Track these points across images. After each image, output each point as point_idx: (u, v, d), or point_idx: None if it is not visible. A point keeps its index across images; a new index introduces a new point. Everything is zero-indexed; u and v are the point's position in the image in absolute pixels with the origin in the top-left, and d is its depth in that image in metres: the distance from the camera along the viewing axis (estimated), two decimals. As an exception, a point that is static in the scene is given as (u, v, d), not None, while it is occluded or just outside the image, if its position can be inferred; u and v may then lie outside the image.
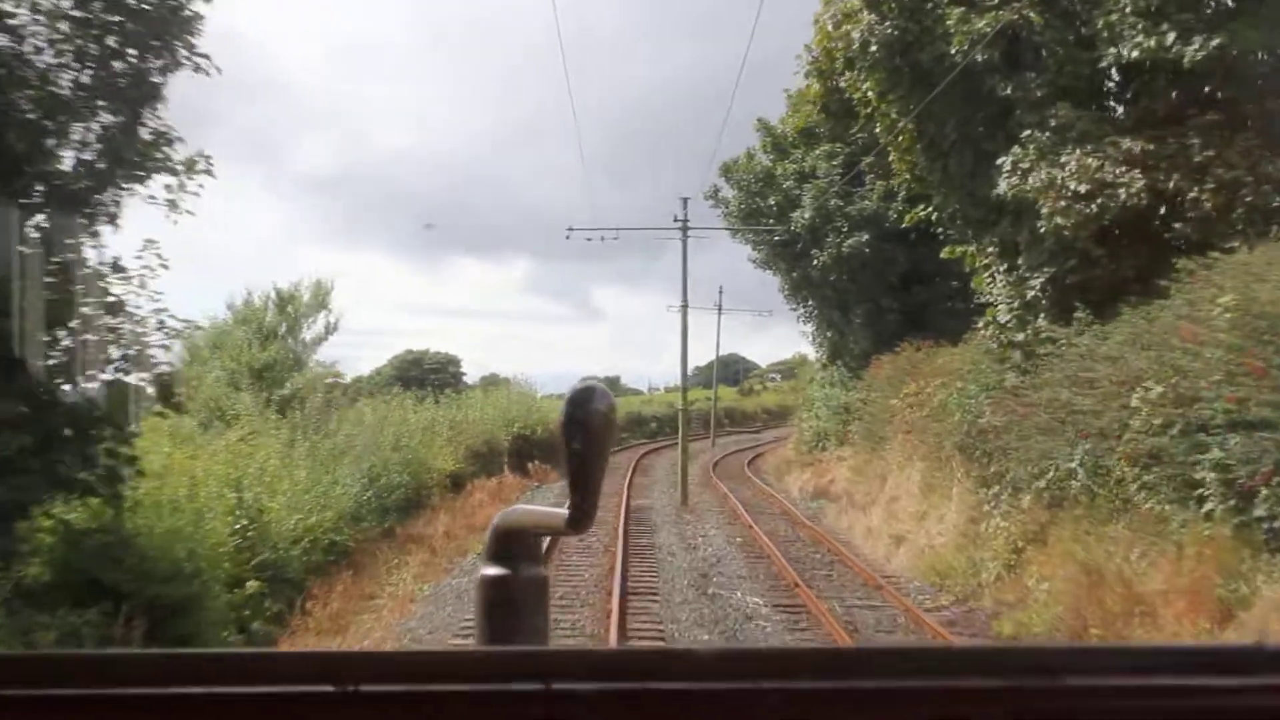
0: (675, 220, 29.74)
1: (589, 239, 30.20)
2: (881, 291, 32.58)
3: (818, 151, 33.12)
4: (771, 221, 34.07)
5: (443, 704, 0.75)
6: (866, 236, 31.55)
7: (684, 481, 28.39)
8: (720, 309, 55.72)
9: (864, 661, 0.80)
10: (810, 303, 36.09)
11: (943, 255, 21.27)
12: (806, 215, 32.30)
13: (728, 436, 59.98)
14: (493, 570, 1.36)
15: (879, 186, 31.80)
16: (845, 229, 31.87)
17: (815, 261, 32.77)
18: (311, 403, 19.73)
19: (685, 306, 29.91)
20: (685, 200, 29.83)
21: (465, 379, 79.09)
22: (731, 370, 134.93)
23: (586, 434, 1.20)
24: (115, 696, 0.75)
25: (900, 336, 31.87)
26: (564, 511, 1.27)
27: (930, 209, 20.30)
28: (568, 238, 30.54)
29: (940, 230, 20.81)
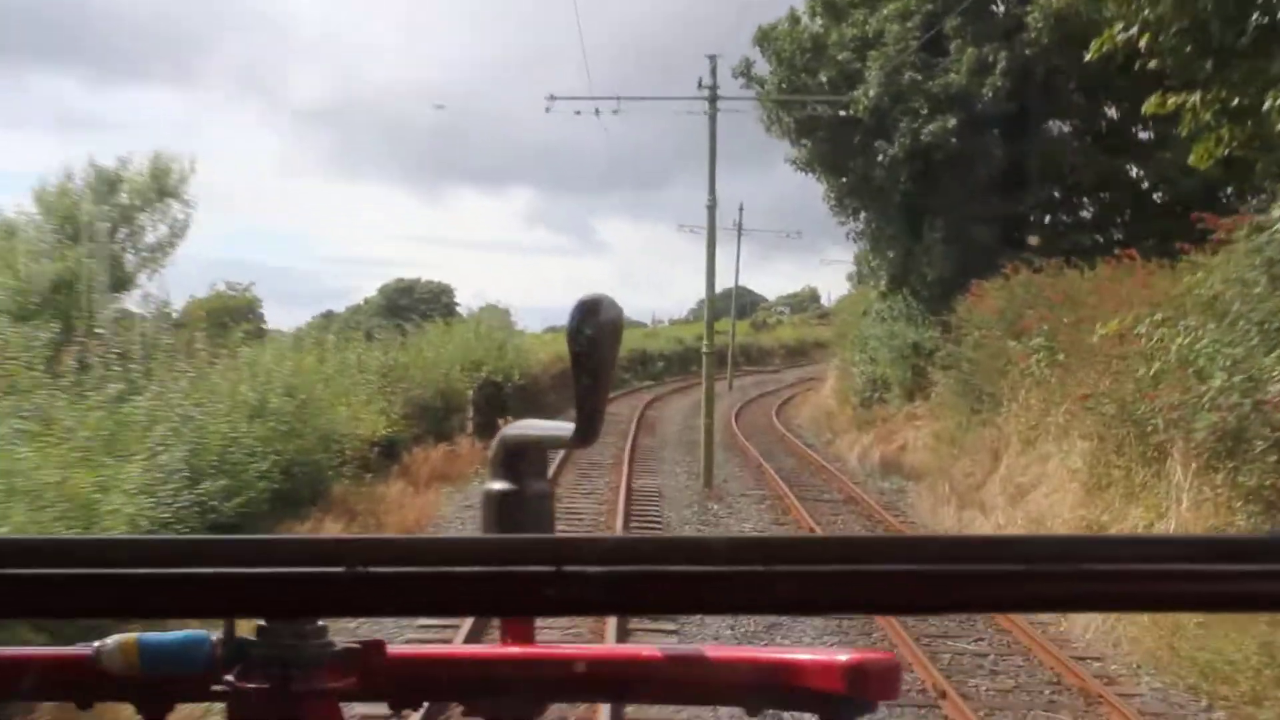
0: (700, 87, 21.39)
1: (579, 111, 21.86)
2: (970, 195, 24.36)
3: (886, 11, 24.69)
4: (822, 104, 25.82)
5: (454, 584, 0.75)
6: (954, 121, 23.27)
7: (709, 457, 20.32)
8: (740, 229, 47.21)
9: (879, 548, 0.79)
10: (866, 214, 27.90)
11: (1146, 110, 13.01)
12: (871, 93, 23.99)
13: (745, 377, 51.82)
14: (498, 485, 1.34)
15: (969, 55, 23.48)
16: (925, 111, 23.60)
17: (880, 156, 24.54)
18: (94, 347, 11.58)
19: (713, 208, 21.74)
20: (714, 60, 21.47)
21: (459, 309, 73.30)
22: (739, 304, 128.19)
23: (593, 345, 1.18)
24: (122, 575, 0.74)
25: (995, 256, 23.74)
26: (570, 426, 1.24)
27: (1134, 30, 12.08)
28: (548, 110, 22.33)
29: (1153, 68, 12.52)
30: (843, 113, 23.89)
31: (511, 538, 1.08)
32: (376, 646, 1.09)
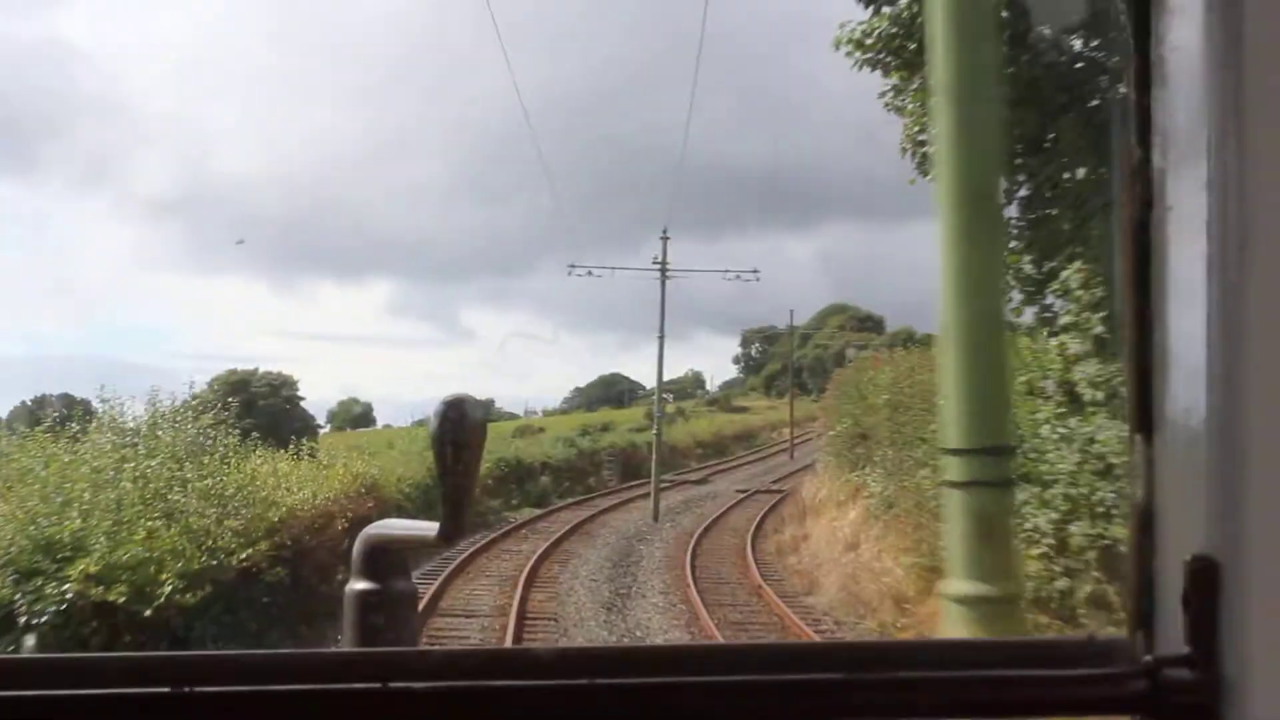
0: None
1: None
2: None
3: None
4: None
5: (280, 704, 0.72)
6: None
7: None
8: (664, 267, 29.36)
9: (701, 658, 0.77)
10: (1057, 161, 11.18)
11: None
12: None
13: (669, 491, 34.14)
14: (360, 584, 1.33)
15: None
16: None
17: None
18: None
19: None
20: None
21: (303, 403, 56.75)
22: (615, 391, 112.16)
23: (457, 446, 1.17)
24: None
25: None
26: (434, 525, 1.24)
27: None
28: None
29: None
30: None
31: (338, 652, 0.97)
32: None
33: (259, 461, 15.97)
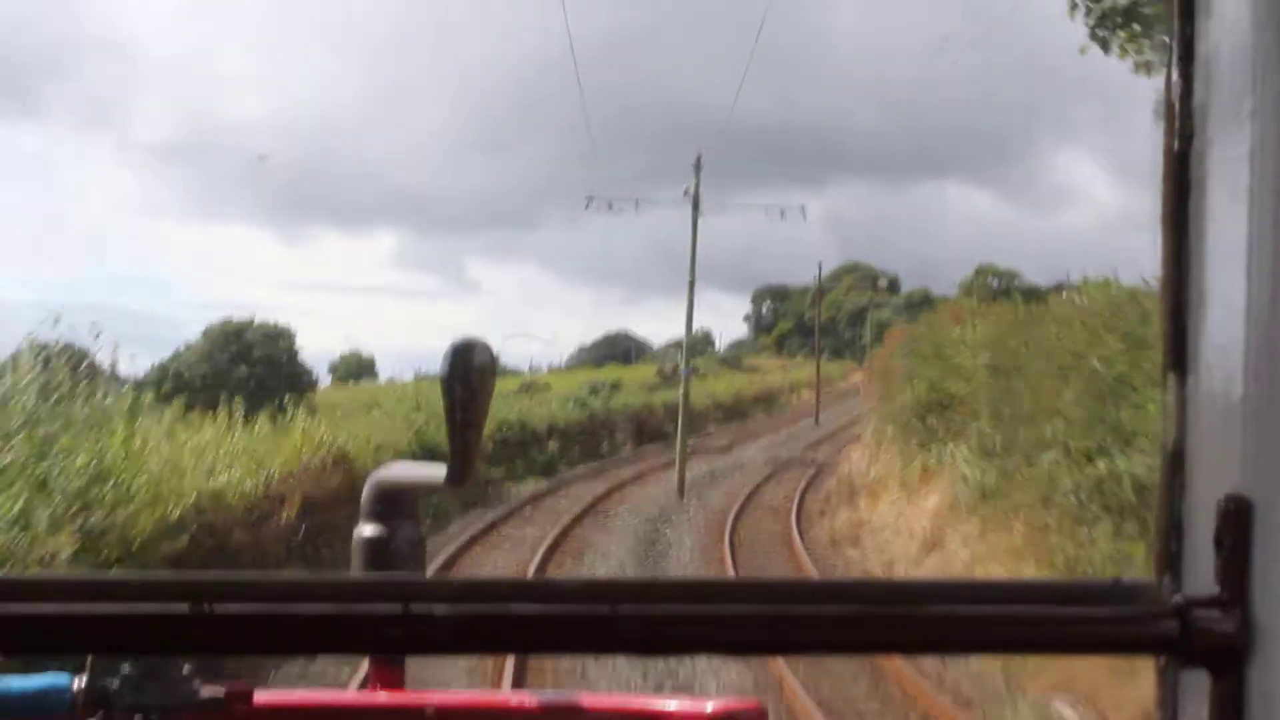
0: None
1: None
2: None
3: None
4: None
5: (299, 623, 0.73)
6: None
7: None
8: (696, 196, 24.78)
9: (724, 590, 0.78)
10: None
11: None
12: None
13: (692, 462, 29.87)
14: (369, 529, 1.33)
15: None
16: None
17: None
18: None
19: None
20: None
21: (300, 358, 52.25)
22: (620, 349, 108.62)
23: (466, 388, 1.15)
24: None
25: None
26: (443, 467, 1.24)
27: None
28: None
29: None
30: None
31: (360, 577, 1.01)
32: (242, 694, 1.07)
33: (162, 430, 11.70)
